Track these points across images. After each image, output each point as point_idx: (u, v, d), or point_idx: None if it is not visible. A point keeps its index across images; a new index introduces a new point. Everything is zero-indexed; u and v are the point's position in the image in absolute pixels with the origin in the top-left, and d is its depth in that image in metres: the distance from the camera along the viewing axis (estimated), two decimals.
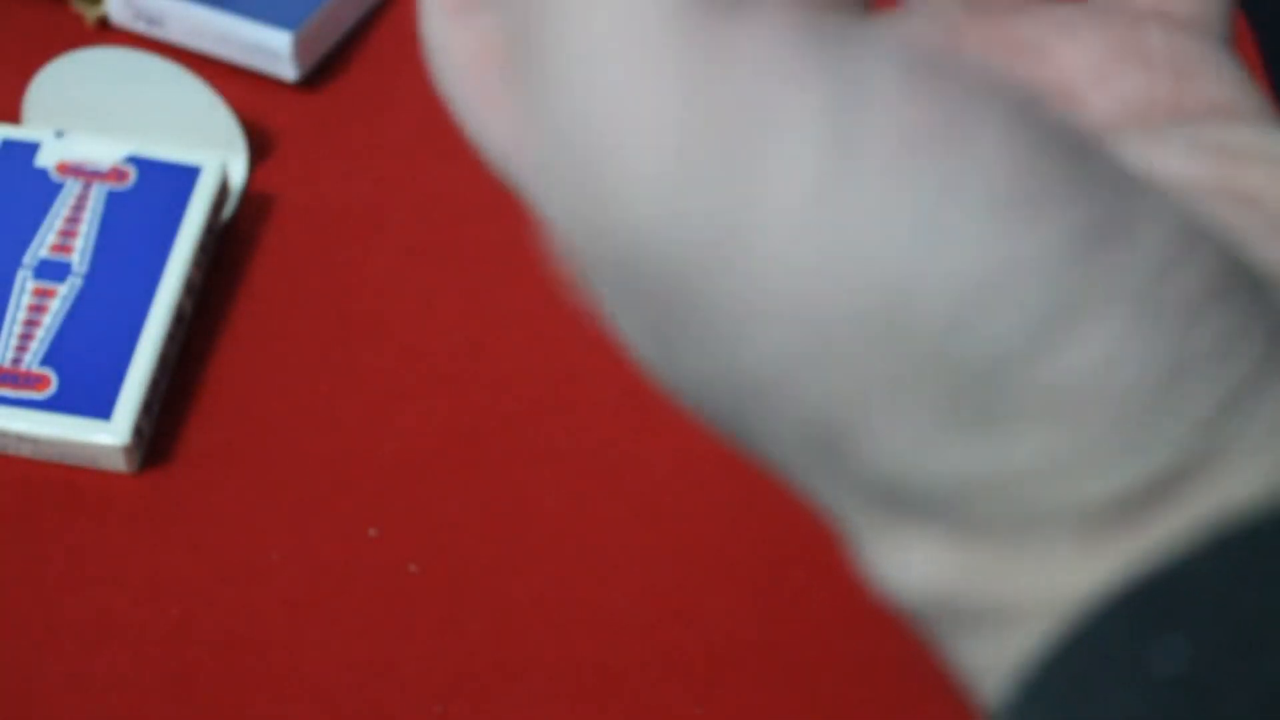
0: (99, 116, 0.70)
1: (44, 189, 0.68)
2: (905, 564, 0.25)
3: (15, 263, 0.66)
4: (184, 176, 0.68)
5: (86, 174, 0.68)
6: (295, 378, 0.66)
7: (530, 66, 0.22)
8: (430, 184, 0.72)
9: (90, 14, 0.75)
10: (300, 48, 0.74)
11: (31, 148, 0.69)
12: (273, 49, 0.73)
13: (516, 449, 0.64)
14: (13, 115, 0.73)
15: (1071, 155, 0.23)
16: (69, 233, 0.67)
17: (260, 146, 0.72)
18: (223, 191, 0.69)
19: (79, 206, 0.68)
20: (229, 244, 0.69)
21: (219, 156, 0.69)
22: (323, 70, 0.76)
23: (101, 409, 0.63)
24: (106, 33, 0.76)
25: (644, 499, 0.63)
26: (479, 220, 0.71)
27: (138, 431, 0.63)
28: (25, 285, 0.66)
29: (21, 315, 0.65)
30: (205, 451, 0.64)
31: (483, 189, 0.72)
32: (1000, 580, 0.24)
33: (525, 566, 0.61)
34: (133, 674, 0.59)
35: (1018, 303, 0.22)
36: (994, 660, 0.25)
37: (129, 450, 0.62)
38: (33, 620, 0.60)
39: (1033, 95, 0.23)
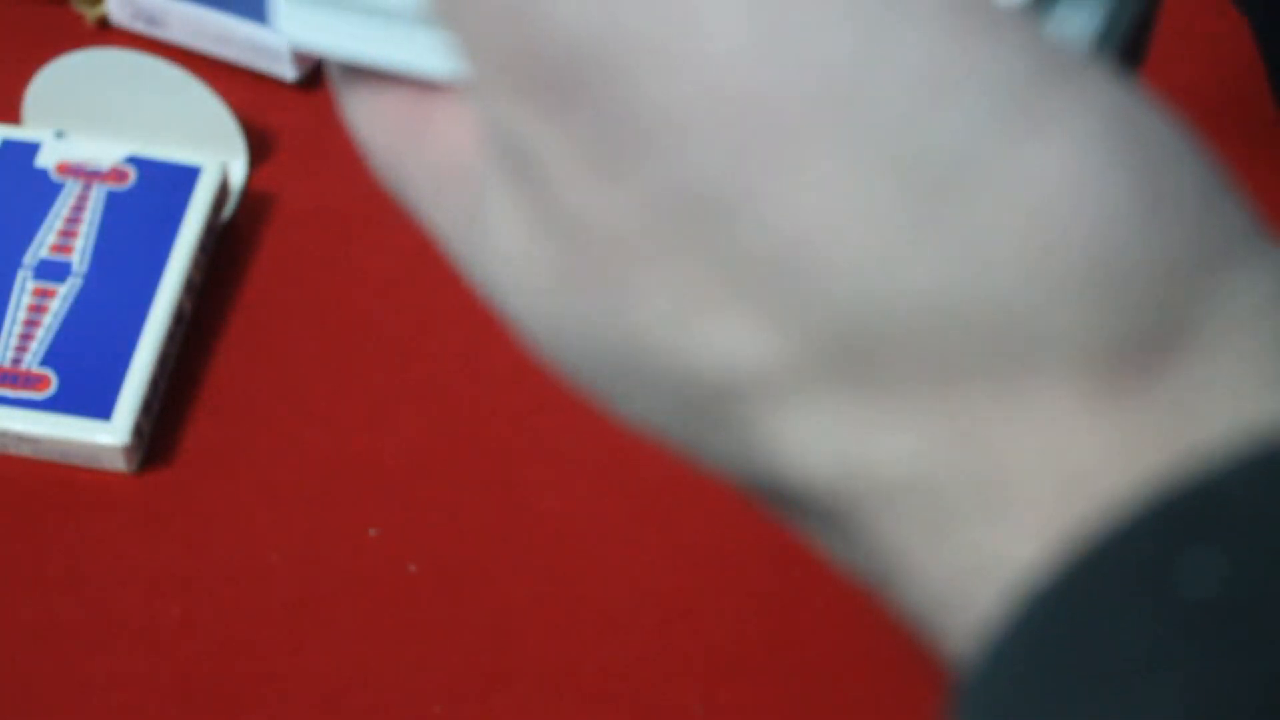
0: (99, 117, 0.70)
1: (44, 189, 0.68)
2: (866, 444, 0.23)
3: (15, 263, 0.66)
4: (184, 177, 0.68)
5: (86, 174, 0.68)
6: (295, 378, 0.66)
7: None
8: None
9: (90, 14, 0.75)
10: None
11: (31, 148, 0.69)
12: (273, 49, 0.73)
13: (516, 449, 0.64)
14: (13, 115, 0.73)
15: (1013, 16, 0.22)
16: (69, 233, 0.67)
17: (260, 146, 0.72)
18: (223, 191, 0.69)
19: (79, 207, 0.68)
20: (229, 244, 0.69)
21: (219, 156, 0.69)
22: (323, 70, 0.76)
23: (101, 409, 0.63)
24: (106, 33, 0.76)
25: (645, 499, 0.63)
26: None
27: (138, 431, 0.63)
28: (25, 285, 0.66)
29: (21, 315, 0.65)
30: (205, 451, 0.64)
31: None
32: (984, 446, 0.22)
33: (525, 566, 0.61)
34: (133, 674, 0.59)
35: (971, 100, 0.21)
36: (977, 564, 0.22)
37: (129, 450, 0.62)
38: (33, 620, 0.60)
39: None
